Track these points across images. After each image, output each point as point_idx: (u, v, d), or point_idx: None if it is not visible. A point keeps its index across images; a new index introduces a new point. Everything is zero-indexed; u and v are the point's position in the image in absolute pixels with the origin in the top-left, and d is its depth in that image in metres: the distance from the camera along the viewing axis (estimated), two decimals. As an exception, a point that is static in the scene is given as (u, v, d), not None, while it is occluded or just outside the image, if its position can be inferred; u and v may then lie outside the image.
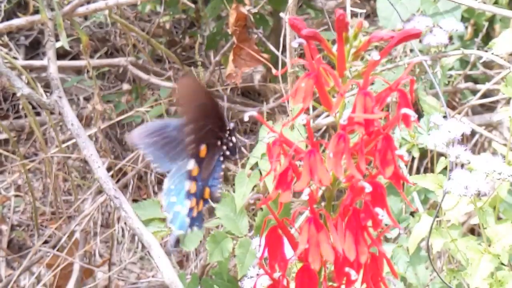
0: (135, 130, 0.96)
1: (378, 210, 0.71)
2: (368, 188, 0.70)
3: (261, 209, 1.45)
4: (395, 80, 0.73)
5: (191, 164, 0.89)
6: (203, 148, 0.89)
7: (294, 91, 0.72)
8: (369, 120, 0.70)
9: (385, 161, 0.71)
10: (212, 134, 0.89)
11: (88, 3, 1.65)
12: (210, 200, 0.91)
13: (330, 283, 0.74)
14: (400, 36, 0.73)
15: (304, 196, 0.71)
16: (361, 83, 0.71)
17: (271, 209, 0.76)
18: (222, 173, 0.89)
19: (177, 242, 0.93)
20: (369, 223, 0.72)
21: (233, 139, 0.89)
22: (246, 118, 0.75)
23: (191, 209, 0.89)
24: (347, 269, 0.71)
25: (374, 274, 0.74)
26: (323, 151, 0.73)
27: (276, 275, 0.75)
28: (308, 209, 0.72)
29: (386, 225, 0.75)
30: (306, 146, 0.73)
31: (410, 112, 0.72)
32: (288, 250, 0.76)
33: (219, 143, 0.89)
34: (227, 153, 0.89)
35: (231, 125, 0.89)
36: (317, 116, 1.55)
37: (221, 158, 0.89)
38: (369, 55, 0.72)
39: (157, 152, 0.93)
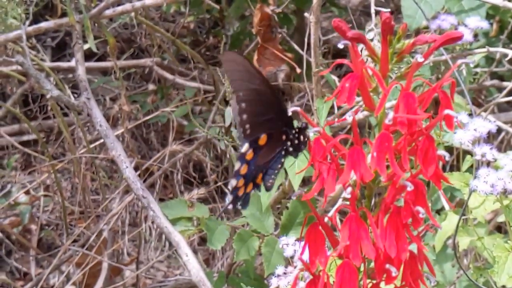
0: None
1: (419, 208, 0.72)
2: (410, 187, 0.71)
3: (287, 207, 1.47)
4: (437, 82, 0.74)
5: (245, 147, 0.88)
6: (262, 137, 0.87)
7: (338, 90, 0.73)
8: (412, 120, 0.71)
9: (427, 161, 0.72)
10: (275, 125, 0.88)
11: (114, 5, 1.67)
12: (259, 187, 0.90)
13: (369, 280, 0.75)
14: (442, 39, 0.74)
15: (347, 194, 0.72)
16: (404, 84, 0.73)
17: (312, 205, 0.77)
18: (280, 166, 0.89)
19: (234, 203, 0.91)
20: (409, 221, 0.73)
21: (301, 138, 0.88)
22: (289, 113, 0.75)
23: (237, 188, 0.89)
24: (387, 265, 0.72)
25: (413, 271, 0.75)
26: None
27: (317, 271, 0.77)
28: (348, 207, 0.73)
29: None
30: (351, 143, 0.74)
31: (453, 113, 0.73)
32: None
33: (283, 137, 0.88)
34: (290, 149, 0.88)
35: (303, 124, 0.88)
36: (342, 114, 1.55)
37: (283, 153, 0.88)
38: (413, 57, 0.73)
39: None
